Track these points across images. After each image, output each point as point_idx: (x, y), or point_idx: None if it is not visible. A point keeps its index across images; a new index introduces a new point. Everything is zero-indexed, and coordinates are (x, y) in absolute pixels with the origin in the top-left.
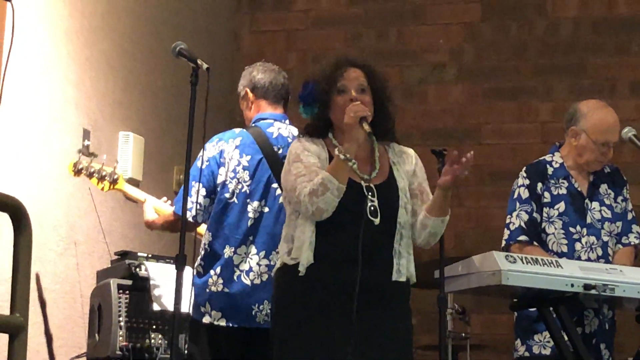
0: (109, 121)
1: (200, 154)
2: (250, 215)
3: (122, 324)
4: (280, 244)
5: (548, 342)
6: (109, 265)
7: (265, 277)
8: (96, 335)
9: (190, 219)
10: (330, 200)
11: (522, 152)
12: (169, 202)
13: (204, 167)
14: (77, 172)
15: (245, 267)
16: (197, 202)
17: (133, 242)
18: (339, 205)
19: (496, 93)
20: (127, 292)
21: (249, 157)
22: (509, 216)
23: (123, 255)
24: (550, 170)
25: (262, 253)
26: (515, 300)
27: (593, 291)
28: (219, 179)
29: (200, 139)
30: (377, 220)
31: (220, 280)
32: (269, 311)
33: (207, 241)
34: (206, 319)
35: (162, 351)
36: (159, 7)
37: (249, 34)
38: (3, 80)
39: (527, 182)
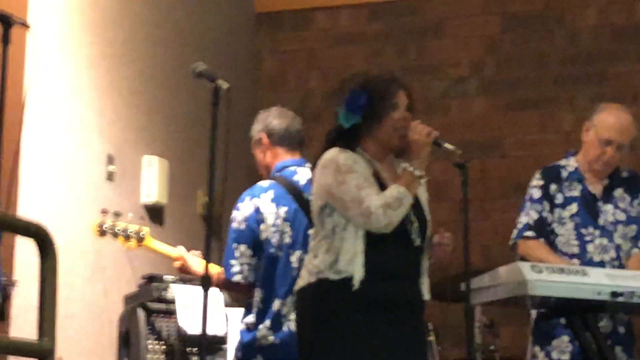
0: (133, 146)
1: (234, 215)
2: (294, 265)
3: (150, 347)
4: (315, 259)
5: (567, 347)
6: (136, 290)
7: None
8: (125, 359)
9: (243, 282)
10: (402, 214)
11: (546, 162)
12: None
13: (242, 227)
14: (102, 232)
15: (293, 316)
16: (246, 263)
17: (159, 266)
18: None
19: (518, 104)
20: (155, 315)
21: (285, 209)
22: (519, 216)
23: (149, 279)
24: (564, 173)
25: None
26: (542, 311)
27: (620, 299)
28: (262, 236)
29: (223, 161)
30: (418, 241)
31: (271, 333)
32: None
33: (259, 298)
34: None
35: None
36: (179, 30)
37: (269, 54)
38: (24, 107)
39: (540, 182)
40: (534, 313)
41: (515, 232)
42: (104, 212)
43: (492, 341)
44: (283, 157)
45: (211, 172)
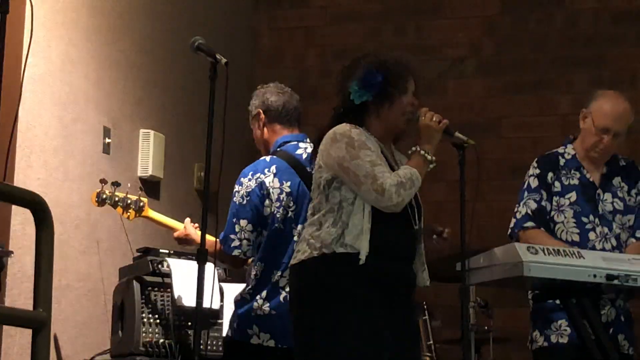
0: (129, 119)
1: (236, 189)
2: (295, 239)
3: (145, 320)
4: (317, 232)
5: (565, 330)
6: (131, 263)
7: None
8: (119, 332)
9: (241, 256)
10: (412, 195)
11: (543, 145)
12: (196, 225)
13: (244, 202)
14: (101, 202)
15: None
16: (246, 239)
17: (154, 239)
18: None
19: (516, 86)
20: (150, 288)
21: (289, 183)
22: (517, 205)
23: (145, 252)
24: (562, 161)
25: None
26: (537, 292)
27: (615, 281)
28: (266, 211)
29: (221, 136)
30: (416, 225)
31: (267, 304)
32: None
33: (259, 271)
34: (254, 340)
35: (186, 346)
36: (178, 4)
37: (267, 30)
38: (23, 79)
39: (537, 171)
40: (531, 295)
41: (513, 222)
42: (103, 181)
43: (486, 322)
44: (281, 134)
45: (208, 147)
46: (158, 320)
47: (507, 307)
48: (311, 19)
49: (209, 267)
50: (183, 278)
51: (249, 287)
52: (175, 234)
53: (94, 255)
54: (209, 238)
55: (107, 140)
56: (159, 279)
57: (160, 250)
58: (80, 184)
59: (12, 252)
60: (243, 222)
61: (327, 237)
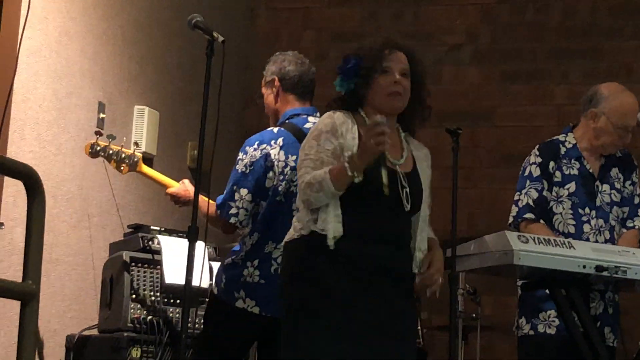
0: (125, 95)
1: (240, 156)
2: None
3: (134, 296)
4: (302, 213)
5: (553, 321)
6: (122, 238)
7: None
8: (108, 307)
9: (237, 225)
10: (321, 199)
11: (537, 135)
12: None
13: (247, 172)
14: (94, 153)
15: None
16: (243, 208)
17: (146, 216)
18: (373, 183)
19: (512, 75)
20: (140, 265)
21: (294, 157)
22: (517, 193)
23: (136, 228)
24: (563, 150)
25: None
26: (525, 281)
27: (605, 273)
28: (268, 183)
29: (215, 115)
30: (408, 206)
31: (257, 272)
32: None
33: (254, 241)
34: (239, 304)
35: (173, 324)
36: None
37: (265, 11)
38: (19, 51)
39: (539, 160)
40: (520, 283)
41: (514, 210)
42: (98, 133)
43: (474, 309)
44: (293, 105)
45: (202, 125)
46: (147, 297)
47: (495, 295)
48: (309, 1)
49: (200, 245)
50: (173, 255)
51: (242, 253)
52: (170, 190)
53: (85, 230)
54: (204, 199)
55: (102, 115)
56: (148, 256)
57: (151, 227)
58: (73, 158)
59: (2, 224)
60: (243, 191)
61: (303, 219)
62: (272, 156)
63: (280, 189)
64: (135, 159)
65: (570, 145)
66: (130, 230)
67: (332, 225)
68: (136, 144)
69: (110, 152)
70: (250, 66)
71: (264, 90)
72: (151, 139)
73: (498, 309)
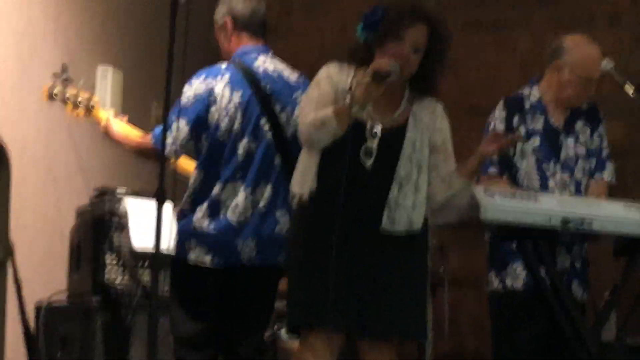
0: (88, 55)
1: (185, 89)
2: (240, 152)
3: (101, 261)
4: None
5: (520, 274)
6: (88, 202)
7: (249, 212)
8: (76, 272)
9: (171, 154)
10: (324, 137)
11: (500, 85)
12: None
13: (189, 103)
14: (51, 96)
15: (231, 203)
16: (179, 139)
17: (112, 179)
18: (339, 141)
19: (474, 25)
20: (107, 229)
21: (239, 93)
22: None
23: (102, 192)
24: (527, 104)
25: (249, 189)
26: (493, 233)
27: (570, 225)
28: (210, 118)
29: (180, 74)
30: (368, 163)
31: (206, 218)
32: (253, 248)
33: (198, 179)
34: (191, 256)
35: (143, 288)
36: None
37: None
38: None
39: (503, 114)
40: (488, 237)
41: None
42: (56, 75)
43: (441, 264)
44: (246, 43)
45: (167, 84)
46: (115, 261)
47: (463, 249)
48: None
49: (168, 206)
50: (140, 218)
51: (188, 194)
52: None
53: (51, 195)
54: (133, 131)
55: (65, 76)
56: (115, 219)
57: (118, 190)
58: (37, 120)
59: None
60: (182, 122)
61: (293, 180)
62: (216, 91)
63: (222, 125)
64: (92, 104)
65: (535, 99)
66: (96, 193)
67: (307, 182)
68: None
69: (67, 95)
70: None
71: (218, 37)
72: (116, 99)
73: (465, 264)
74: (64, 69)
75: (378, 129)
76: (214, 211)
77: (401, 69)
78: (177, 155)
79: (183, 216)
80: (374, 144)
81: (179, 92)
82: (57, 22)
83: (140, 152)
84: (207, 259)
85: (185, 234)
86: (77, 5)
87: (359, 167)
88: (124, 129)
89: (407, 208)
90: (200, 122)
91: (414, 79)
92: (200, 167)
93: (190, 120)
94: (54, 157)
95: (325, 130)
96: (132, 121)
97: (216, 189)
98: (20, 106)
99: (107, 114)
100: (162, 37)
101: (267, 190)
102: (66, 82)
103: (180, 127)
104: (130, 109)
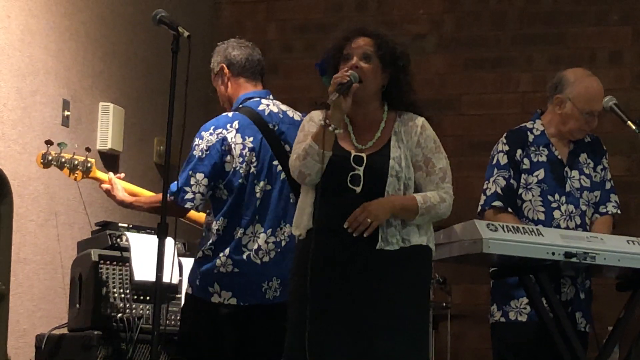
0: (89, 92)
1: (196, 142)
2: (258, 195)
3: (103, 294)
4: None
5: (524, 308)
6: (90, 236)
7: (272, 254)
8: (77, 305)
9: (193, 210)
10: (311, 164)
11: (502, 122)
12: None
13: (203, 156)
14: (47, 163)
15: (253, 246)
16: (199, 193)
17: (114, 213)
18: (327, 174)
19: (476, 63)
20: (108, 262)
21: (252, 139)
22: (486, 182)
23: (104, 225)
24: (530, 137)
25: (269, 231)
26: (495, 268)
27: (574, 259)
28: (227, 167)
29: (182, 110)
30: (357, 189)
31: (230, 262)
32: (277, 287)
33: (221, 227)
34: (215, 299)
35: (144, 321)
36: None
37: (228, 4)
38: None
39: (506, 148)
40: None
41: (483, 198)
42: (48, 142)
43: (444, 298)
44: (245, 88)
45: (169, 121)
46: (116, 295)
47: (465, 283)
48: None
49: (169, 241)
50: (142, 252)
51: (210, 242)
52: (102, 186)
53: (52, 229)
54: (145, 192)
55: (67, 112)
56: (117, 253)
57: (119, 224)
58: None
59: None
60: (199, 176)
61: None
62: (229, 139)
63: (241, 171)
64: (89, 165)
65: (538, 132)
66: (98, 227)
67: (304, 219)
68: (88, 149)
69: (63, 160)
70: None
71: (215, 83)
72: (117, 135)
73: (468, 298)
74: (65, 106)
75: (363, 155)
76: (238, 255)
77: (361, 79)
78: (198, 210)
79: (205, 260)
80: (360, 171)
81: (180, 128)
82: (58, 58)
83: (155, 211)
84: (234, 300)
85: (209, 277)
86: (77, 43)
87: (350, 193)
88: (131, 191)
89: (397, 225)
90: (217, 172)
91: (386, 96)
92: (224, 214)
93: (207, 173)
94: (55, 192)
95: (310, 157)
96: (134, 157)
97: (238, 233)
98: (22, 142)
99: (107, 175)
100: (164, 73)
101: (287, 230)
102: (60, 147)
103: (199, 181)
104: (132, 145)
